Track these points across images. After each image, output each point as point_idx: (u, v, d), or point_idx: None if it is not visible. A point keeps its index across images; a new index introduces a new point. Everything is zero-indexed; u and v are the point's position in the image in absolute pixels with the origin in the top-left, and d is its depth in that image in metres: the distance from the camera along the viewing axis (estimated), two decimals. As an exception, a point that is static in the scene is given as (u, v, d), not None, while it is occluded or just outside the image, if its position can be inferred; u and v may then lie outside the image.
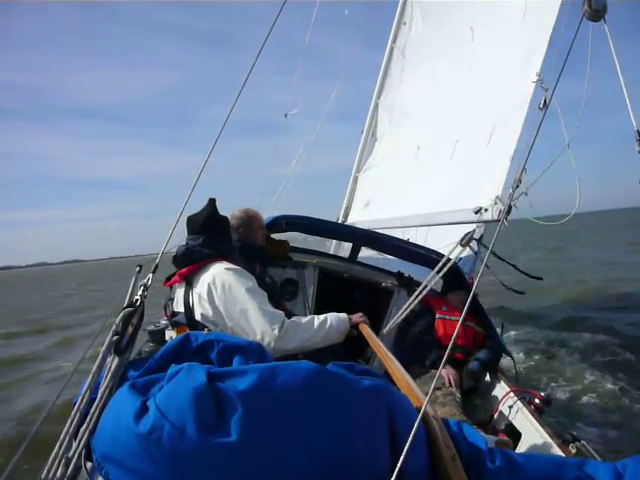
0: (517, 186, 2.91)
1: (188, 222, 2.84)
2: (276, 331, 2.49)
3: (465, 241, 3.30)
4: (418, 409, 1.65)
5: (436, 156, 5.06)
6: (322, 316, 2.78)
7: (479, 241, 3.84)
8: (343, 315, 2.87)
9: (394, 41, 7.37)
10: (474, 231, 3.37)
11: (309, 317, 2.77)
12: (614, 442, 5.36)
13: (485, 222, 3.41)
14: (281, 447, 1.43)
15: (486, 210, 3.32)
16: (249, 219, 3.49)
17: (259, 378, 1.51)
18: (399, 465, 1.34)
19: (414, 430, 1.43)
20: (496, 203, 3.21)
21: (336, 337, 2.80)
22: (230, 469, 1.41)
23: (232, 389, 1.49)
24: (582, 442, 2.83)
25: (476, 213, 3.41)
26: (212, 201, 2.86)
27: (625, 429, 5.71)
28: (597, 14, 2.36)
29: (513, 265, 3.63)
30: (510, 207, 2.89)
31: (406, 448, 1.37)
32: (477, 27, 4.88)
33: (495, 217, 3.15)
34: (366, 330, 2.95)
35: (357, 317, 2.98)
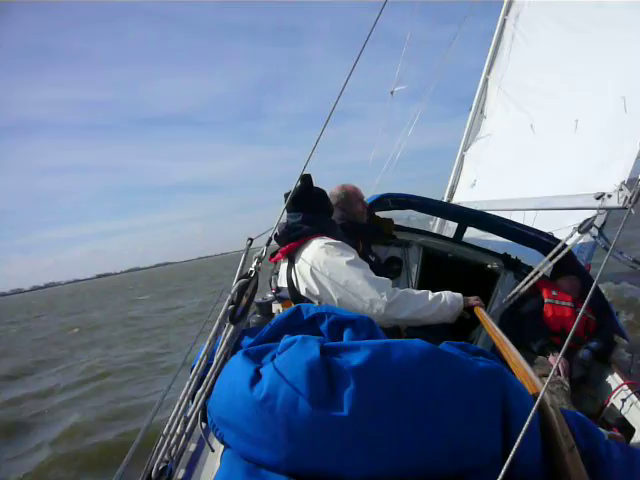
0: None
1: (286, 199, 2.82)
2: (385, 297, 2.49)
3: (584, 228, 3.16)
4: (534, 396, 1.61)
5: (552, 136, 4.81)
6: (437, 292, 2.74)
7: (600, 230, 3.64)
8: (459, 295, 2.81)
9: (507, 13, 7.02)
10: (594, 217, 3.21)
11: (422, 290, 2.74)
12: None
13: (608, 209, 3.22)
14: (392, 425, 1.43)
15: (610, 196, 3.13)
16: (345, 194, 3.51)
17: (372, 354, 1.51)
18: (512, 453, 1.30)
19: (530, 417, 1.38)
20: (622, 189, 3.02)
21: (448, 316, 2.74)
22: (340, 442, 1.42)
23: (345, 364, 1.49)
24: None
25: (597, 199, 3.23)
26: (305, 177, 2.86)
27: None
28: None
29: (634, 261, 3.40)
30: (639, 194, 2.73)
31: (521, 435, 1.33)
32: None
33: (620, 204, 2.97)
34: (482, 314, 2.87)
35: (473, 299, 2.91)
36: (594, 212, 3.29)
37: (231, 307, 2.16)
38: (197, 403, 1.91)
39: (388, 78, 8.39)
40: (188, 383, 1.98)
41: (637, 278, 10.41)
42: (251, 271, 2.37)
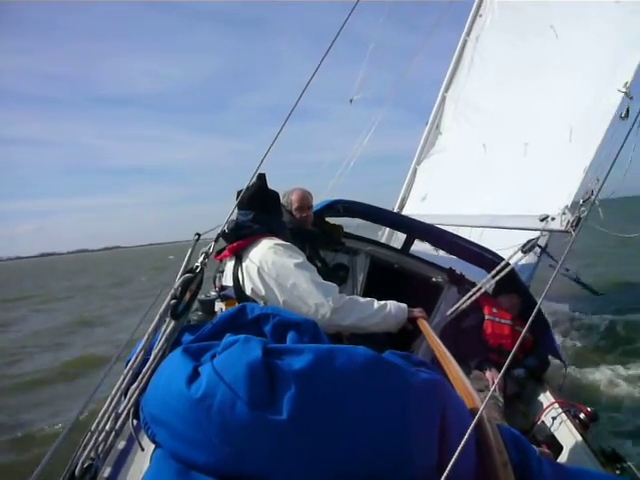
0: (588, 199, 2.85)
1: (238, 197, 2.82)
2: (331, 302, 2.48)
3: (527, 248, 3.25)
4: (471, 410, 1.63)
5: (502, 157, 4.95)
6: (382, 301, 2.75)
7: (544, 249, 3.75)
8: (403, 305, 2.83)
9: (468, 34, 7.20)
10: (538, 238, 3.31)
11: (368, 298, 2.75)
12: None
13: (551, 231, 3.33)
14: (330, 431, 1.41)
15: (553, 219, 3.24)
16: (292, 198, 3.59)
17: (315, 359, 1.49)
18: (450, 466, 1.30)
19: (469, 432, 1.39)
20: (564, 213, 3.13)
21: (392, 325, 2.76)
22: (276, 446, 1.39)
23: (287, 367, 1.47)
24: (628, 463, 2.77)
25: (542, 221, 3.33)
26: (261, 176, 2.85)
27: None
28: None
29: (576, 280, 3.54)
30: (580, 219, 2.82)
31: (458, 450, 1.34)
32: (559, 27, 4.72)
33: (562, 227, 3.07)
34: (425, 326, 2.90)
35: (417, 311, 2.93)
36: (538, 233, 3.39)
37: (173, 302, 2.11)
38: (130, 399, 1.85)
39: (354, 81, 8.45)
40: (122, 378, 1.92)
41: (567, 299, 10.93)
42: (197, 267, 2.33)
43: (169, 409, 1.52)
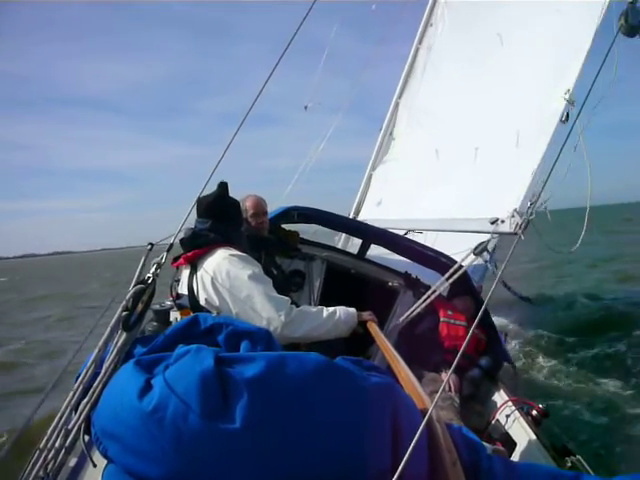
0: (535, 201, 2.93)
1: (197, 204, 2.81)
2: (282, 317, 2.49)
3: (479, 250, 3.32)
4: (422, 411, 1.65)
5: (454, 162, 5.05)
6: (331, 308, 2.78)
7: (492, 251, 3.84)
8: (352, 310, 2.87)
9: (420, 42, 7.34)
10: (488, 241, 3.39)
11: (318, 307, 2.78)
12: (609, 459, 5.36)
13: (501, 234, 3.42)
14: (284, 438, 1.42)
15: (502, 222, 3.32)
16: (246, 206, 3.56)
17: (267, 366, 1.50)
18: (401, 466, 1.33)
19: (419, 433, 1.42)
20: (513, 216, 3.21)
21: (343, 331, 2.80)
22: (230, 456, 1.40)
23: (239, 375, 1.48)
24: (577, 457, 2.86)
25: (492, 224, 3.41)
26: (221, 185, 2.84)
27: (622, 447, 5.71)
28: (632, 30, 2.36)
29: (508, 288, 3.63)
30: (527, 221, 2.91)
31: (409, 451, 1.37)
32: (505, 35, 4.88)
33: (512, 230, 3.16)
34: (374, 328, 2.95)
35: (367, 314, 2.99)
36: (489, 235, 3.47)
37: (125, 313, 2.10)
38: (81, 414, 1.82)
39: (320, 87, 8.49)
40: (72, 393, 1.89)
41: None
42: (149, 277, 2.31)
43: (121, 423, 1.49)
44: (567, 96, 3.25)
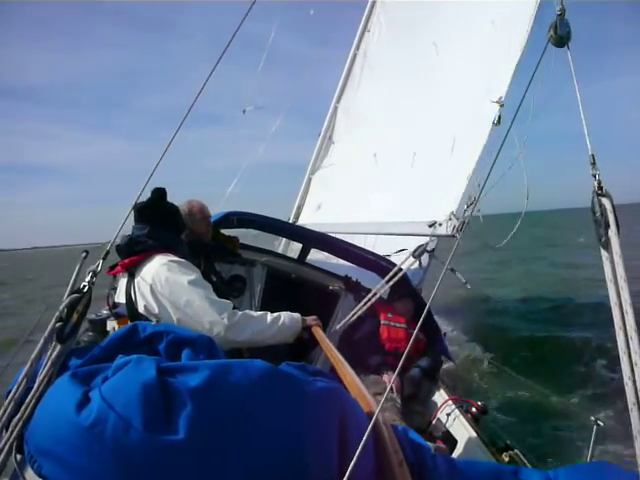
0: (472, 203, 3.01)
1: (135, 210, 2.74)
2: (225, 320, 2.46)
3: (418, 253, 3.38)
4: (367, 414, 1.67)
5: (392, 166, 5.12)
6: (275, 313, 2.78)
7: (431, 253, 3.93)
8: (297, 315, 2.87)
9: (357, 47, 7.44)
10: (427, 244, 3.45)
11: (261, 312, 2.76)
12: (546, 451, 5.61)
13: (439, 236, 3.48)
14: (230, 447, 1.40)
15: (440, 225, 3.39)
16: (190, 210, 3.48)
17: (211, 375, 1.48)
18: (350, 469, 1.34)
19: (366, 435, 1.43)
20: (450, 219, 3.28)
21: (287, 336, 2.80)
22: (175, 468, 1.37)
23: (182, 385, 1.45)
24: (515, 451, 2.96)
25: (430, 226, 3.47)
26: (157, 190, 2.79)
27: (556, 440, 6.02)
28: (561, 41, 2.47)
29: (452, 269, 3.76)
30: (464, 223, 2.98)
31: (357, 454, 1.38)
32: (440, 43, 5.01)
33: (449, 232, 3.22)
34: (319, 333, 2.96)
35: (311, 319, 2.99)
36: (428, 238, 3.53)
37: (59, 324, 2.01)
38: (12, 432, 1.72)
39: (260, 90, 8.41)
40: (2, 410, 1.80)
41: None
42: (84, 286, 2.23)
43: (58, 439, 1.43)
44: (497, 101, 3.37)
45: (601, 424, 2.94)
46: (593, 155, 2.04)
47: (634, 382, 1.52)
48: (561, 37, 2.44)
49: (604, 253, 1.76)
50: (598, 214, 1.82)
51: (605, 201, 1.83)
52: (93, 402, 1.43)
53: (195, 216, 3.51)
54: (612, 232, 1.75)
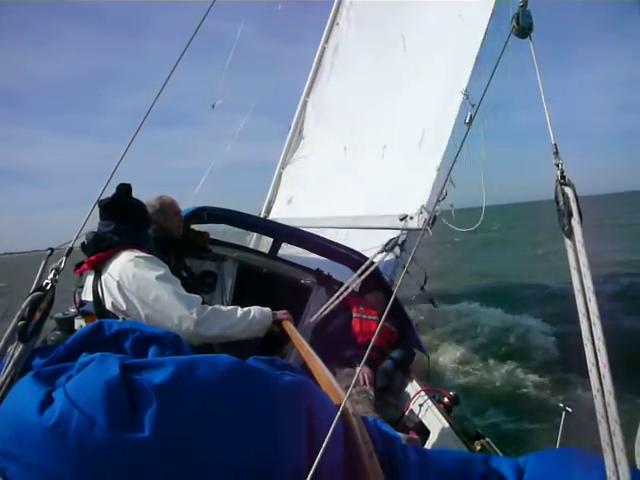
0: (443, 197, 3.05)
1: (100, 206, 2.71)
2: (194, 315, 2.45)
3: (389, 246, 3.39)
4: (337, 406, 1.66)
5: (362, 159, 5.15)
6: (245, 308, 2.77)
7: (401, 246, 3.96)
8: (267, 309, 2.87)
9: (326, 41, 7.43)
10: (398, 237, 3.47)
11: (231, 307, 2.75)
12: (516, 439, 5.74)
13: (409, 230, 3.51)
14: (196, 444, 1.39)
15: (411, 218, 3.41)
16: (162, 205, 3.44)
17: (176, 371, 1.46)
18: (317, 460, 1.35)
19: (333, 426, 1.44)
20: (421, 212, 3.31)
21: (258, 330, 2.79)
22: (141, 467, 1.35)
23: (147, 382, 1.43)
24: (486, 439, 3.01)
25: (401, 220, 3.50)
26: (122, 186, 2.75)
27: (526, 427, 6.15)
28: (524, 31, 2.50)
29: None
30: (435, 217, 3.01)
31: (324, 445, 1.38)
32: (408, 37, 5.04)
33: (420, 226, 3.25)
34: (289, 327, 2.96)
35: (281, 314, 2.99)
36: (399, 232, 3.56)
37: (21, 323, 1.98)
38: None
39: (228, 87, 8.31)
40: None
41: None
42: (47, 284, 2.20)
43: (20, 440, 1.40)
44: (463, 95, 3.41)
45: (569, 410, 3.01)
46: (556, 145, 2.06)
47: (597, 368, 1.55)
48: (523, 28, 2.47)
49: (567, 242, 1.79)
50: (561, 203, 1.84)
51: (568, 190, 1.85)
52: (56, 402, 1.40)
53: (167, 211, 3.46)
54: (575, 221, 1.77)
